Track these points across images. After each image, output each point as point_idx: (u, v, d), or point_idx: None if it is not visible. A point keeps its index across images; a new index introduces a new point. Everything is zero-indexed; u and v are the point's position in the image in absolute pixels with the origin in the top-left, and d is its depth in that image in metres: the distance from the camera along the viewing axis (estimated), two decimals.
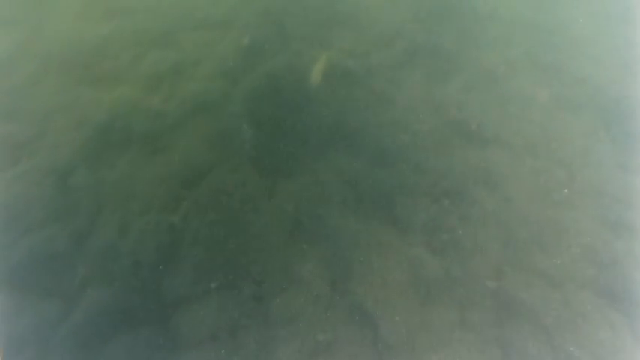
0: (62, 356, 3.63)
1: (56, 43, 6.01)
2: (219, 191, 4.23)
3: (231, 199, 4.20)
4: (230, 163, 4.64)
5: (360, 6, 6.43)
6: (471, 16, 6.21)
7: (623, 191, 4.39)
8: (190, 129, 5.07)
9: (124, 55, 5.78)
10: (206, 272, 3.97)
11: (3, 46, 6.01)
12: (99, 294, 3.98)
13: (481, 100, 5.11)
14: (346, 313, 3.64)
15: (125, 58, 5.74)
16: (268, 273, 4.01)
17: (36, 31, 6.23)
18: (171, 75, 5.47)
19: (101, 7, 6.54)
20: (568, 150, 4.72)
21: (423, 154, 4.73)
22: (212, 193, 4.21)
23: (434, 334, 3.66)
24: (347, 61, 5.58)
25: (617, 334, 3.59)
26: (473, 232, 4.04)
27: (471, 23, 6.09)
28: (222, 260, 4.01)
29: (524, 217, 4.26)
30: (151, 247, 4.07)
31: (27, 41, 6.07)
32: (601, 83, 5.26)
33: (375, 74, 5.42)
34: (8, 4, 6.72)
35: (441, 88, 5.25)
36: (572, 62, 5.52)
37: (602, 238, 4.09)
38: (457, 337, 3.70)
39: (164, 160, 4.79)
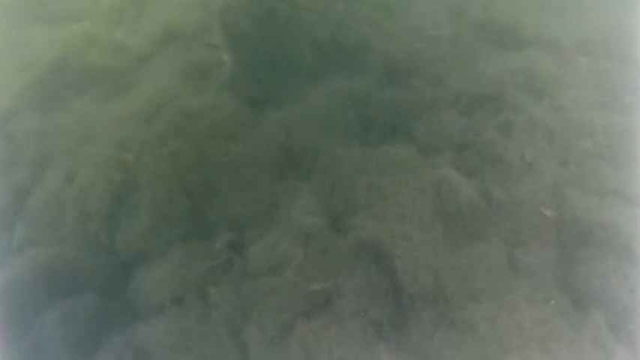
0: None
1: None
2: (184, 116, 3.27)
3: (198, 124, 3.24)
4: (203, 92, 3.69)
5: None
6: None
7: None
8: (158, 64, 4.14)
9: None
10: (169, 220, 3.03)
11: None
12: (39, 255, 3.08)
13: None
14: (350, 256, 2.64)
15: None
16: (249, 217, 3.05)
17: None
18: (135, 6, 4.55)
19: None
20: (635, 46, 3.60)
21: (443, 65, 3.69)
22: (174, 119, 3.26)
23: (473, 280, 2.64)
24: None
25: None
26: (518, 146, 3.00)
27: None
28: (189, 203, 3.06)
29: (584, 127, 3.18)
30: (101, 193, 3.15)
31: None
32: None
33: None
34: None
35: None
36: None
37: None
38: (506, 284, 2.66)
39: (127, 100, 3.87)
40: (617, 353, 2.34)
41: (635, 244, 2.54)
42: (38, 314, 2.79)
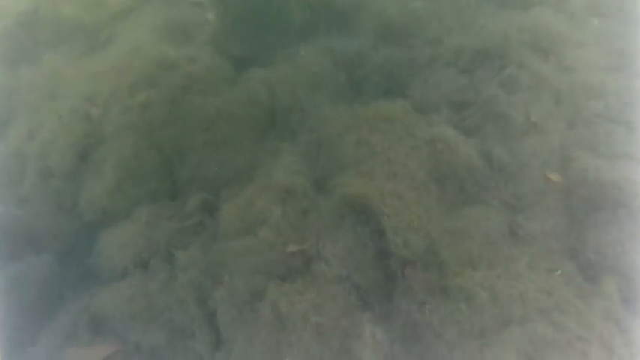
0: None
1: None
2: (157, 65, 2.98)
3: (173, 75, 2.94)
4: (182, 49, 3.40)
5: None
6: None
7: None
8: (137, 20, 3.85)
9: None
10: (136, 177, 2.74)
11: None
12: None
13: None
14: (334, 216, 2.36)
15: None
16: (224, 177, 2.76)
17: None
18: None
19: None
20: None
21: (442, 24, 3.41)
22: (146, 69, 2.96)
23: (469, 246, 2.36)
24: None
25: None
26: (522, 104, 2.71)
27: None
28: (159, 159, 2.77)
29: (594, 89, 2.90)
30: (64, 148, 2.86)
31: None
32: None
33: None
34: None
35: None
36: None
37: None
38: (506, 252, 2.38)
39: (101, 57, 3.57)
40: (630, 326, 2.06)
41: None
42: None
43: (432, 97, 2.89)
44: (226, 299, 2.24)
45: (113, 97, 2.91)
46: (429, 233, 2.33)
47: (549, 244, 2.42)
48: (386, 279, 2.26)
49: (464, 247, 2.35)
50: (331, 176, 2.56)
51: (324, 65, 3.35)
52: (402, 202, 2.33)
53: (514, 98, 2.73)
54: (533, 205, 2.53)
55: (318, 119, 3.00)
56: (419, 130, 2.64)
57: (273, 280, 2.18)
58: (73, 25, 3.80)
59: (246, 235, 2.35)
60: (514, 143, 2.66)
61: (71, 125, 2.90)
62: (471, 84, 2.88)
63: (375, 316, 2.18)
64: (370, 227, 2.30)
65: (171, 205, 2.69)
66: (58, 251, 2.72)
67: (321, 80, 3.30)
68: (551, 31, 3.15)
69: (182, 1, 3.99)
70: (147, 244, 2.55)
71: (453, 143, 2.60)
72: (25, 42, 3.74)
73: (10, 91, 3.45)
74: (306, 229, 2.34)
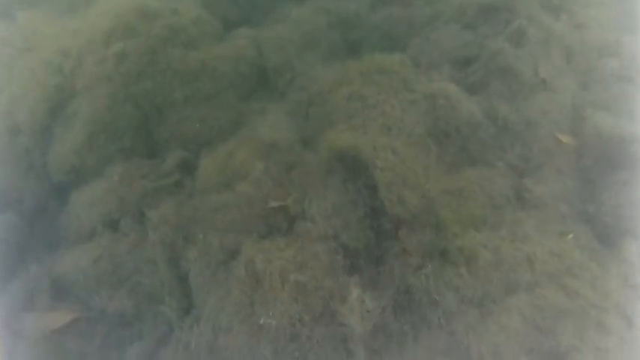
0: None
1: None
2: (136, 14, 2.74)
3: (154, 25, 2.71)
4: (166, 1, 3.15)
5: None
6: None
7: None
8: None
9: None
10: (110, 133, 2.51)
11: None
12: None
13: None
14: (322, 171, 2.12)
15: None
16: (206, 135, 2.53)
17: None
18: None
19: None
20: None
21: None
22: (124, 18, 2.73)
23: (471, 208, 2.13)
24: None
25: None
26: (531, 58, 2.47)
27: None
28: (136, 114, 2.54)
29: (609, 48, 2.67)
30: (34, 102, 2.62)
31: None
32: None
33: None
34: None
35: None
36: None
37: None
38: (512, 217, 2.15)
39: (80, 17, 3.33)
40: None
41: None
42: None
43: (433, 54, 2.66)
44: (199, 260, 2.01)
45: (87, 48, 2.68)
46: (427, 192, 2.10)
47: (560, 208, 2.19)
48: (377, 240, 2.03)
49: (465, 208, 2.12)
50: (320, 132, 2.32)
51: (317, 25, 3.12)
52: (397, 157, 2.10)
53: (522, 53, 2.50)
54: (542, 167, 2.30)
55: (308, 79, 2.78)
56: (418, 85, 2.40)
57: (251, 238, 1.94)
58: None
59: (224, 190, 2.12)
60: (521, 101, 2.42)
61: (42, 79, 2.67)
62: (475, 40, 2.65)
63: (363, 280, 1.95)
64: (361, 183, 2.07)
65: (148, 163, 2.46)
66: (23, 212, 2.48)
67: (314, 41, 3.07)
68: None
69: None
70: (118, 204, 2.32)
71: (455, 99, 2.37)
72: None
73: None
74: (291, 185, 2.10)
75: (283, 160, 2.19)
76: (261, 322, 1.67)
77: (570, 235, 2.05)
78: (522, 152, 2.34)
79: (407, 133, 2.23)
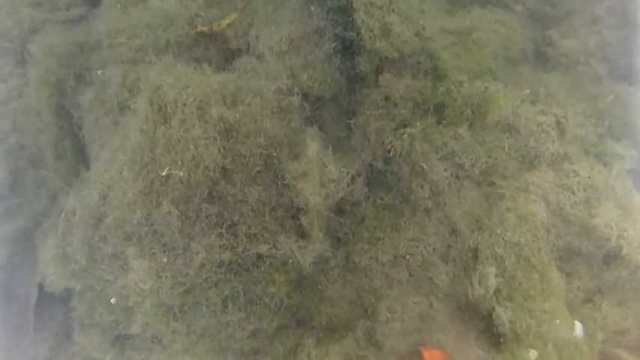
0: None
1: None
2: None
3: None
4: None
5: None
6: None
7: None
8: None
9: None
10: None
11: None
12: None
13: None
14: None
15: None
16: None
17: None
18: None
19: None
20: None
21: None
22: None
23: (480, 56, 1.53)
24: None
25: None
26: None
27: None
28: None
29: None
30: None
31: None
32: None
33: None
34: None
35: None
36: None
37: None
38: (533, 77, 1.57)
39: None
40: None
41: None
42: None
43: None
44: (95, 105, 1.37)
45: None
46: (422, 29, 1.47)
47: (594, 67, 1.61)
48: (349, 86, 1.42)
49: (471, 56, 1.51)
50: None
51: None
52: None
53: None
54: (573, 15, 1.70)
55: None
56: None
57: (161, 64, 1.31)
58: None
59: (134, 5, 1.44)
60: None
61: None
62: None
63: (328, 138, 1.35)
64: (331, 5, 1.42)
65: None
66: None
67: None
68: None
69: None
70: None
71: None
72: None
73: None
74: (229, 4, 1.45)
75: None
76: (164, 173, 1.08)
77: (611, 97, 1.49)
78: None
79: None
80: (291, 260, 1.23)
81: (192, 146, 1.09)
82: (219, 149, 1.10)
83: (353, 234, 1.43)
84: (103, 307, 1.30)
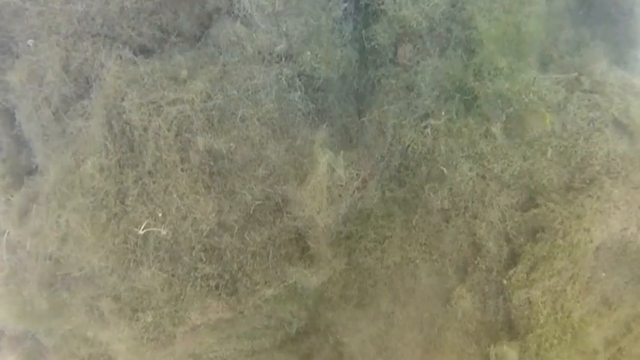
0: None
1: None
2: None
3: None
4: None
5: None
6: None
7: None
8: None
9: None
10: None
11: None
12: None
13: None
14: None
15: None
16: None
17: None
18: None
19: None
20: None
21: None
22: None
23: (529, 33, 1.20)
24: None
25: None
26: None
27: None
28: None
29: None
30: None
31: None
32: None
33: None
34: None
35: None
36: None
37: None
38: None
39: None
40: None
41: None
42: None
43: None
44: (28, 86, 1.02)
45: None
46: None
47: None
48: (362, 63, 1.11)
49: (512, 36, 1.20)
50: None
51: None
52: None
53: None
54: None
55: None
56: None
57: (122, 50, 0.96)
58: None
59: None
60: None
61: None
62: None
63: (337, 135, 1.09)
64: None
65: None
66: None
67: None
68: None
69: None
70: None
71: None
72: None
73: None
74: None
75: None
76: (141, 231, 0.82)
77: None
78: None
79: None
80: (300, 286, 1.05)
81: (175, 195, 0.82)
82: (210, 192, 0.84)
83: (357, 230, 1.24)
84: None
